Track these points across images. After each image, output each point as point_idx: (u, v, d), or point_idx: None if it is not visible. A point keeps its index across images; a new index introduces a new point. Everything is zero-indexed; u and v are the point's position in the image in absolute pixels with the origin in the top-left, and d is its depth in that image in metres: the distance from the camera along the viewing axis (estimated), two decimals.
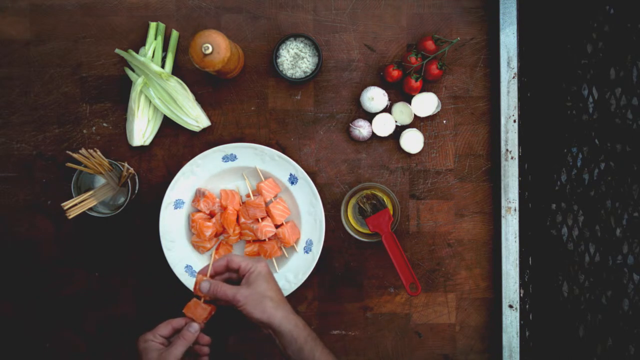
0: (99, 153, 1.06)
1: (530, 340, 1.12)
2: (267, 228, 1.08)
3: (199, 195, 1.10)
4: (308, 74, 1.10)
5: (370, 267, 1.13)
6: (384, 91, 1.10)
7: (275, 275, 1.10)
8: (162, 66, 1.10)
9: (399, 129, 1.13)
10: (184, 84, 1.09)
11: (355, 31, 1.13)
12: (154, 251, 1.11)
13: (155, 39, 1.10)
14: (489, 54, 1.13)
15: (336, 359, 0.93)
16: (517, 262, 1.10)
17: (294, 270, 1.10)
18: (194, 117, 1.09)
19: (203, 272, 0.95)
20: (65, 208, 1.04)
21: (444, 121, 1.13)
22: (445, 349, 1.14)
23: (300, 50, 1.10)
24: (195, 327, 0.92)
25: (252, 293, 0.90)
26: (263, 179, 1.10)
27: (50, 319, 1.13)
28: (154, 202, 1.11)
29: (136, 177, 1.11)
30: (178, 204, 1.10)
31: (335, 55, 1.13)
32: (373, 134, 1.12)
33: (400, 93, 1.13)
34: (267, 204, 1.10)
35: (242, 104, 1.13)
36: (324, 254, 1.11)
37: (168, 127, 1.13)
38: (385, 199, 1.09)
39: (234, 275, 0.96)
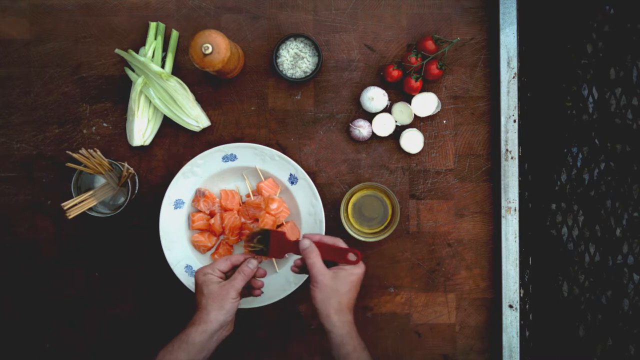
0: (99, 153, 1.06)
1: (530, 340, 1.12)
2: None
3: (199, 195, 1.10)
4: (308, 74, 1.10)
5: (370, 267, 1.13)
6: (384, 91, 1.10)
7: (275, 275, 1.10)
8: (162, 66, 1.10)
9: (399, 129, 1.13)
10: (184, 84, 1.09)
11: (355, 31, 1.13)
12: (154, 251, 1.11)
13: (155, 39, 1.10)
14: (489, 54, 1.13)
15: None
16: (517, 262, 1.10)
17: None
18: (194, 117, 1.09)
19: (310, 236, 0.95)
20: (65, 208, 1.04)
21: (444, 121, 1.13)
22: (445, 349, 1.14)
23: (300, 50, 1.10)
24: (254, 262, 0.96)
25: (330, 285, 0.91)
26: (263, 179, 1.10)
27: (50, 319, 1.13)
28: (154, 202, 1.11)
29: (136, 177, 1.11)
30: (178, 204, 1.10)
31: (335, 55, 1.13)
32: (373, 134, 1.12)
33: (400, 93, 1.13)
34: None
35: (242, 104, 1.13)
36: None
37: (168, 127, 1.13)
38: (385, 199, 1.09)
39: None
